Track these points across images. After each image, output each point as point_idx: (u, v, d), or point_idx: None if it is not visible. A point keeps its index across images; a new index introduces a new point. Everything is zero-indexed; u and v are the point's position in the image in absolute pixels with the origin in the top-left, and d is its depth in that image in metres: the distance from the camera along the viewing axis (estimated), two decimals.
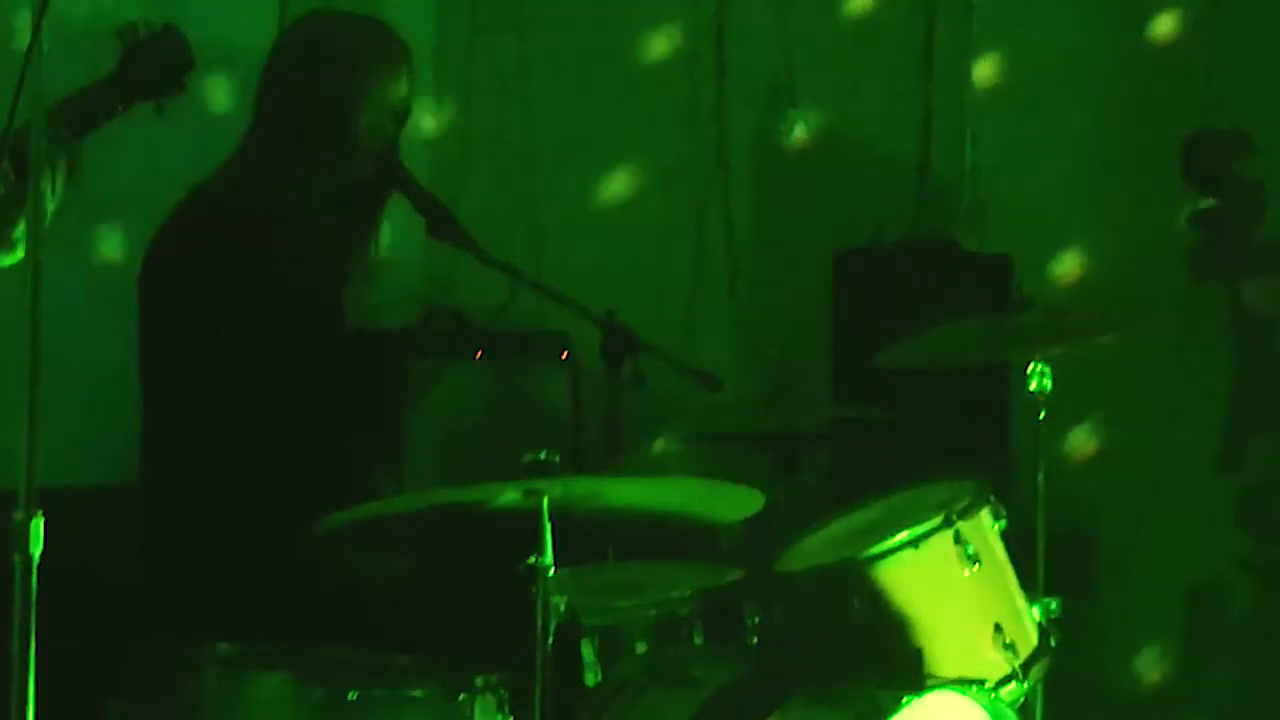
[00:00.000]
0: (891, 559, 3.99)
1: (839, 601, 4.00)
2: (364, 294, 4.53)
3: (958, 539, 4.03)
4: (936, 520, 4.03)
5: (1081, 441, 5.93)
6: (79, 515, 4.62)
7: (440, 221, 4.28)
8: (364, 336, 4.46)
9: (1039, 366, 4.43)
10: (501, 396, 5.40)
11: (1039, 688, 4.20)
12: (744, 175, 6.11)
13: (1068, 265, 6.09)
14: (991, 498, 4.18)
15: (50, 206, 3.43)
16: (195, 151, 4.43)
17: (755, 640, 4.05)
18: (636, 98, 5.93)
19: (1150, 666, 6.06)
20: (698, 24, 6.01)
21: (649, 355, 4.29)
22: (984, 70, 6.20)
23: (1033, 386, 4.44)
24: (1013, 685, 4.03)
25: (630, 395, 4.28)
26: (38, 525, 2.98)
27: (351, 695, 3.69)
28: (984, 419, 5.72)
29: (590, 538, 3.93)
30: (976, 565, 4.04)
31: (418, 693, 3.74)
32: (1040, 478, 4.42)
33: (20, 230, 3.42)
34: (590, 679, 3.94)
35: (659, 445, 5.35)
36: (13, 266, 3.48)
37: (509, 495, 3.60)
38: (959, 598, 4.04)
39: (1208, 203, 5.78)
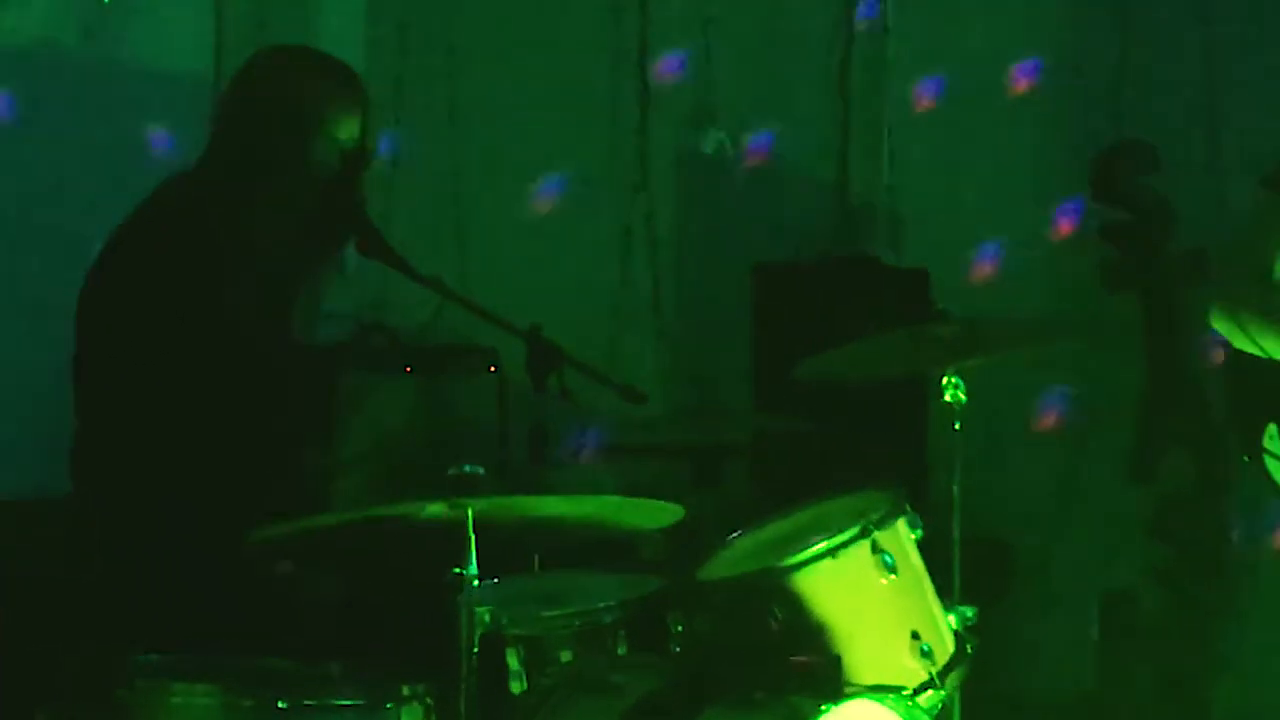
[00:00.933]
0: (810, 568, 4.03)
1: (759, 610, 4.05)
2: (315, 315, 4.57)
3: (875, 548, 4.09)
4: (854, 530, 4.08)
5: (997, 451, 6.01)
6: (7, 526, 4.67)
7: (369, 239, 4.32)
8: (298, 351, 4.49)
9: (953, 379, 4.50)
10: (429, 410, 5.44)
11: (956, 695, 4.26)
12: (666, 192, 6.16)
13: (983, 279, 6.15)
14: (908, 507, 4.23)
15: None
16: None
17: (678, 649, 4.10)
18: (561, 117, 5.97)
19: (1065, 673, 6.12)
20: (621, 44, 6.05)
21: (573, 369, 4.34)
22: (900, 89, 6.27)
23: (948, 397, 4.51)
24: (930, 692, 4.08)
25: (555, 408, 4.32)
26: None
27: (280, 704, 3.74)
28: (902, 430, 5.78)
29: (514, 548, 3.98)
30: (893, 574, 4.10)
31: (346, 701, 3.80)
32: (956, 487, 4.49)
33: None
34: (515, 687, 3.98)
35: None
36: None
37: (435, 508, 3.66)
38: (877, 606, 4.09)
39: (1118, 216, 5.87)
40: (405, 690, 3.79)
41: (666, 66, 6.07)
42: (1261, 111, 5.90)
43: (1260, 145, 5.50)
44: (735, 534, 4.31)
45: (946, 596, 4.31)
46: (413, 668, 3.83)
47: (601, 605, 4.07)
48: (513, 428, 5.19)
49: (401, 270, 4.32)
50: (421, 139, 5.81)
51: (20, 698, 4.05)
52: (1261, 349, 4.48)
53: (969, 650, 4.25)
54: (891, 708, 3.93)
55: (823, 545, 4.06)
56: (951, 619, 4.27)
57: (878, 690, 3.98)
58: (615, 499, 3.93)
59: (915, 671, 4.09)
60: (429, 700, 3.79)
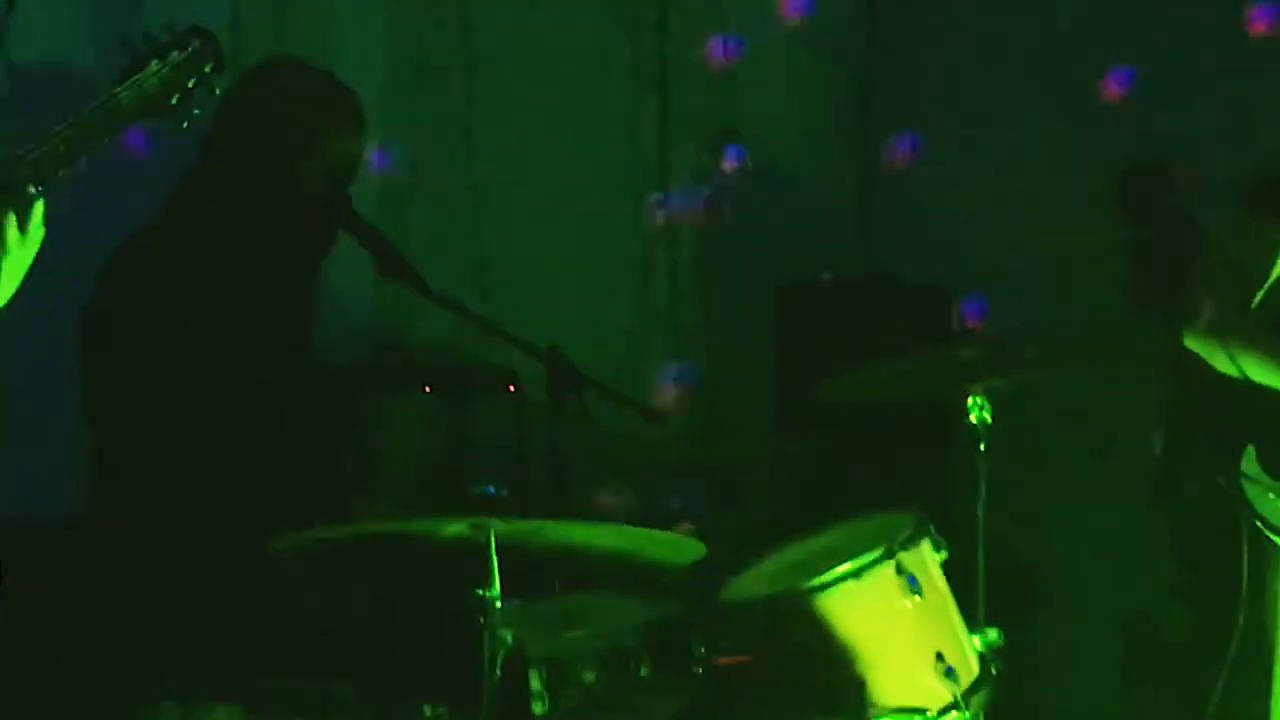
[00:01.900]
0: (834, 589, 4.03)
1: (783, 632, 4.05)
2: (315, 327, 4.57)
3: (899, 569, 4.09)
4: (878, 551, 4.08)
5: (1020, 472, 5.98)
6: (33, 550, 4.67)
7: (388, 259, 4.32)
8: (315, 372, 4.49)
9: (978, 399, 4.49)
10: (448, 429, 5.43)
11: (981, 717, 4.24)
12: (686, 211, 6.15)
13: (1005, 299, 6.14)
14: (932, 528, 4.23)
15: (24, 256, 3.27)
16: None
17: (700, 671, 4.09)
18: (580, 135, 5.96)
19: (1089, 694, 6.10)
20: (641, 62, 6.05)
21: (593, 389, 4.33)
22: (920, 108, 6.27)
23: (973, 419, 4.49)
24: (954, 714, 4.08)
25: (575, 429, 4.31)
26: None
27: None
28: (924, 451, 5.76)
29: (536, 570, 3.97)
30: (918, 595, 4.09)
31: None
32: (980, 509, 4.47)
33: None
34: (538, 709, 3.97)
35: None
36: None
37: (456, 528, 3.65)
38: (901, 627, 4.09)
39: (1142, 235, 5.85)
40: (427, 711, 3.79)
41: (687, 86, 6.07)
42: None
43: None
44: (758, 556, 4.31)
45: (970, 618, 4.30)
46: (434, 688, 3.82)
47: (624, 627, 4.06)
48: (531, 448, 5.18)
49: (419, 290, 4.31)
50: (439, 158, 5.81)
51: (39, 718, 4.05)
52: (1243, 373, 4.46)
53: (993, 672, 4.24)
54: None
55: (847, 567, 4.05)
56: (976, 640, 4.26)
57: (902, 712, 3.99)
58: (638, 531, 3.93)
59: (940, 693, 4.08)
60: None
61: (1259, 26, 6.08)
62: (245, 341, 4.26)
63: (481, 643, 3.61)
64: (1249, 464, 4.47)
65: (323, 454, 4.42)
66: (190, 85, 3.33)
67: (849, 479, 5.12)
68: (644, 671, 4.07)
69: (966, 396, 4.50)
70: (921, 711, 4.01)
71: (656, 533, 3.92)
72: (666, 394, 5.65)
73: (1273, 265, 4.48)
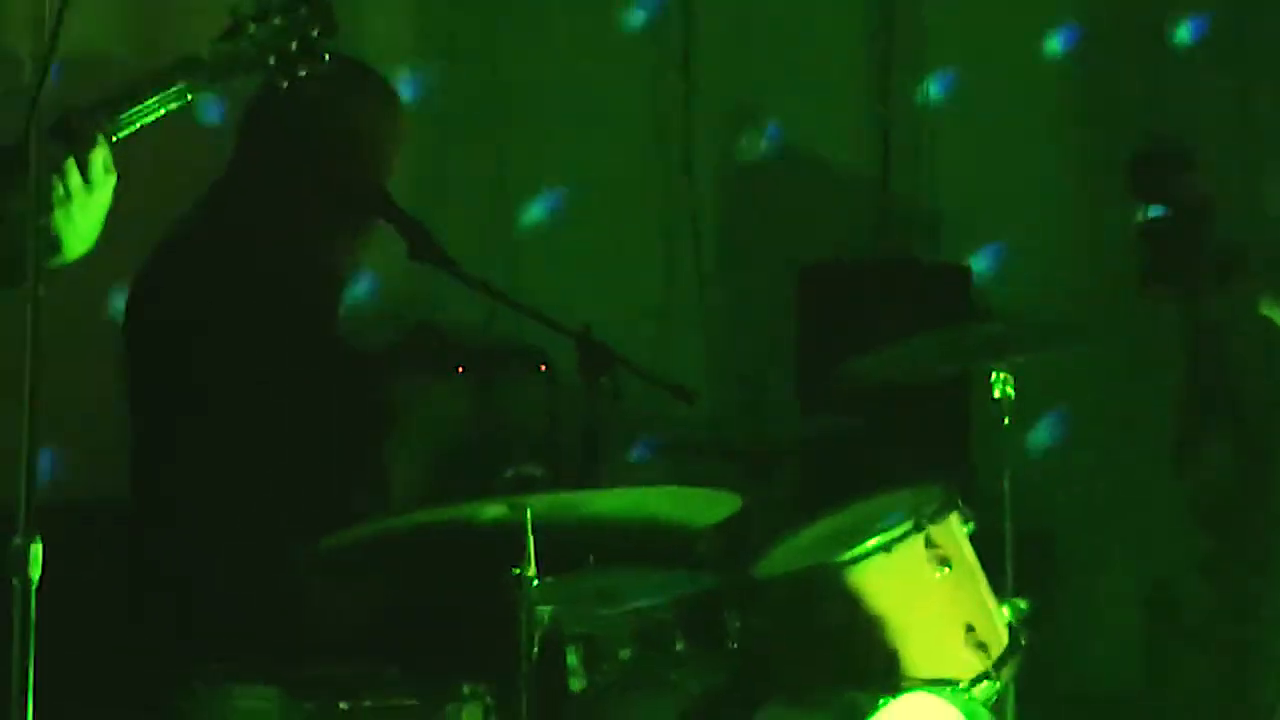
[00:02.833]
0: (864, 563, 4.07)
1: (814, 606, 4.08)
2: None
3: (929, 542, 4.12)
4: (907, 525, 4.11)
5: (1043, 445, 6.02)
6: (67, 529, 4.69)
7: (420, 243, 4.35)
8: (351, 356, 4.53)
9: (1001, 375, 4.52)
10: (481, 410, 5.47)
11: (1011, 687, 4.29)
12: (710, 193, 6.18)
13: (1026, 275, 6.17)
14: (959, 501, 4.26)
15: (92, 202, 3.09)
16: None
17: (735, 645, 4.13)
18: (605, 118, 5.99)
19: (1112, 665, 6.13)
20: (665, 45, 6.07)
21: (624, 369, 4.37)
22: (940, 86, 6.29)
23: (996, 394, 4.52)
24: (985, 684, 4.12)
25: (606, 408, 4.35)
26: (37, 549, 2.89)
27: (342, 705, 3.78)
28: (947, 426, 5.80)
29: (571, 546, 4.01)
30: (947, 568, 4.13)
31: (406, 702, 3.83)
32: (1006, 482, 4.51)
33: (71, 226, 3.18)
34: (575, 685, 4.01)
35: None
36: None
37: (494, 509, 3.68)
38: (931, 600, 4.12)
39: (1157, 214, 5.87)
40: (465, 690, 3.82)
41: (709, 67, 6.09)
42: None
43: None
44: (788, 531, 4.34)
45: (999, 590, 4.33)
46: (472, 667, 3.86)
47: (659, 602, 4.10)
48: (563, 428, 5.21)
49: (451, 272, 4.35)
50: (470, 144, 5.83)
51: (82, 709, 4.07)
52: None
53: (1022, 642, 4.27)
54: (948, 700, 3.96)
55: (877, 540, 4.09)
56: (1005, 611, 4.29)
57: (934, 683, 4.01)
58: (671, 490, 3.96)
59: (971, 664, 4.12)
60: (489, 700, 3.83)
61: None
62: (284, 329, 4.29)
63: (519, 621, 3.65)
64: None
65: (360, 438, 4.45)
66: (293, 47, 3.26)
67: (875, 455, 5.15)
68: (679, 646, 4.11)
69: (989, 372, 4.54)
70: (953, 682, 4.05)
71: (690, 490, 3.93)
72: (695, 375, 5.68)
73: None
